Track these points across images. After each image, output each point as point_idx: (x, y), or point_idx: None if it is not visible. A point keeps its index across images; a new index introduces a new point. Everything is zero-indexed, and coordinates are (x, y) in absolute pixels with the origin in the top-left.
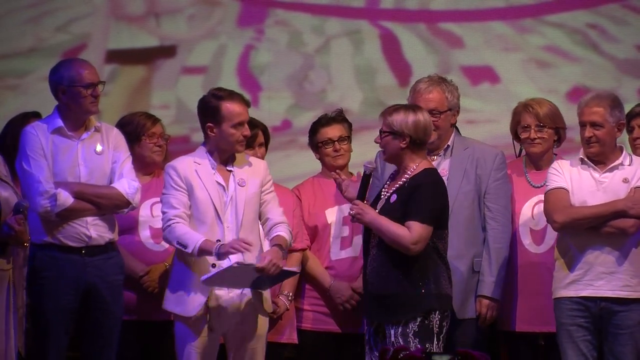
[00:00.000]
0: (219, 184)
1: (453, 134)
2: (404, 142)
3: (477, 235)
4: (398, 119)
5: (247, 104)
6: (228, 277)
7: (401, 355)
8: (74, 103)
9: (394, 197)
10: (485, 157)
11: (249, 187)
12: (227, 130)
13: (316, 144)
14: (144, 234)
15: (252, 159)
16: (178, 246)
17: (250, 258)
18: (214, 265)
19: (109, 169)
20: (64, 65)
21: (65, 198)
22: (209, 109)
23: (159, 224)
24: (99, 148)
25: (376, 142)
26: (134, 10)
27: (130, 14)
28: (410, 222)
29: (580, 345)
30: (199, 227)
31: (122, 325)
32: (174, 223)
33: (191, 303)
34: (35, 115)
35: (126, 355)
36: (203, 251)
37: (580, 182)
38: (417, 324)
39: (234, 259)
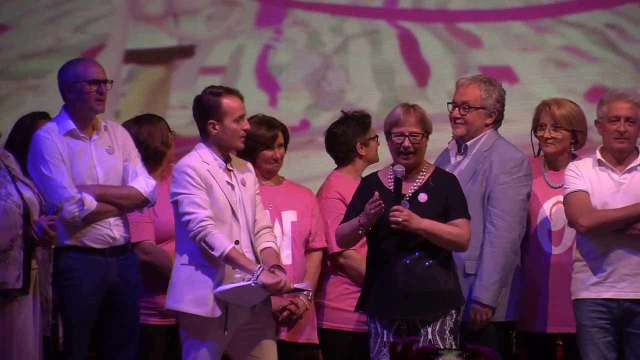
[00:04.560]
0: (228, 183)
1: (486, 135)
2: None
3: (474, 238)
4: None
5: (242, 98)
6: (240, 293)
7: (414, 347)
8: (79, 100)
9: (423, 197)
10: (499, 160)
11: (248, 187)
12: (229, 125)
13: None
14: None
15: (240, 159)
16: (207, 247)
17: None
18: (243, 279)
19: (121, 167)
20: (72, 63)
21: (91, 202)
22: (209, 107)
23: None
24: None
25: None
26: (153, 10)
27: (148, 14)
28: (458, 221)
29: (601, 347)
30: (220, 227)
31: (164, 330)
32: (209, 225)
33: (214, 304)
34: (44, 116)
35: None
36: (230, 259)
37: (599, 184)
38: (453, 320)
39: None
